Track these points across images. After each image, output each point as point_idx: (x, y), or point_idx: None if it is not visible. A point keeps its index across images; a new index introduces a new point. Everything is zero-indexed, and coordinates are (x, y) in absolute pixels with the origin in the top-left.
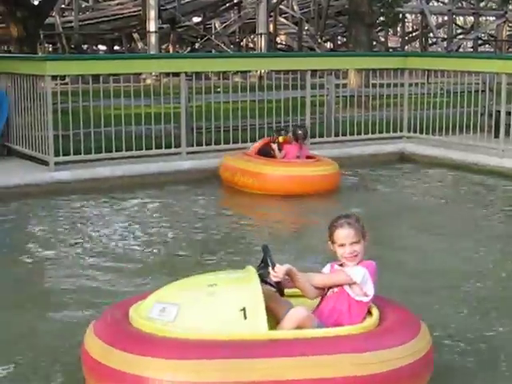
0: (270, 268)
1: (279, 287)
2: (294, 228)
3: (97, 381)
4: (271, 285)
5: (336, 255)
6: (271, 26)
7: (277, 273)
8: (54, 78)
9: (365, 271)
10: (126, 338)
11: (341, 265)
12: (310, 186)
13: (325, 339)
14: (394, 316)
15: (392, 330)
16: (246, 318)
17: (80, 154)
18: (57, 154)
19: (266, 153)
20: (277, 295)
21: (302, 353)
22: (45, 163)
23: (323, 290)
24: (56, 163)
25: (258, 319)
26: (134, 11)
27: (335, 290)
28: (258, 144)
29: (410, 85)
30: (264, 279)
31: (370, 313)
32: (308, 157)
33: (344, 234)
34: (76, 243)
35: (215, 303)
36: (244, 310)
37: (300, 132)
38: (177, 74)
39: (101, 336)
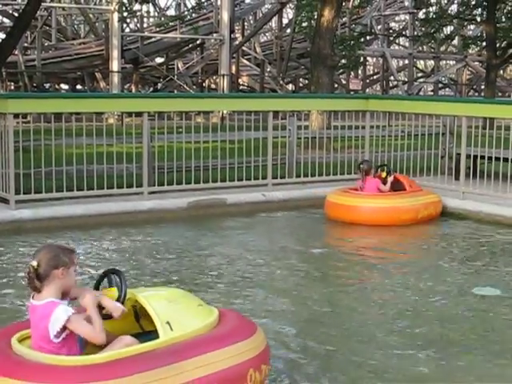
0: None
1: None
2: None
3: None
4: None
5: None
6: (233, 68)
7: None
8: (15, 116)
9: None
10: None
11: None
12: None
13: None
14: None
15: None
16: None
17: (41, 192)
18: (17, 193)
19: None
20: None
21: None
22: (5, 201)
23: None
24: (17, 201)
25: None
26: (97, 51)
27: None
28: None
29: (371, 127)
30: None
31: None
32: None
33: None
34: None
35: None
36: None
37: (361, 166)
38: (139, 114)
39: None
